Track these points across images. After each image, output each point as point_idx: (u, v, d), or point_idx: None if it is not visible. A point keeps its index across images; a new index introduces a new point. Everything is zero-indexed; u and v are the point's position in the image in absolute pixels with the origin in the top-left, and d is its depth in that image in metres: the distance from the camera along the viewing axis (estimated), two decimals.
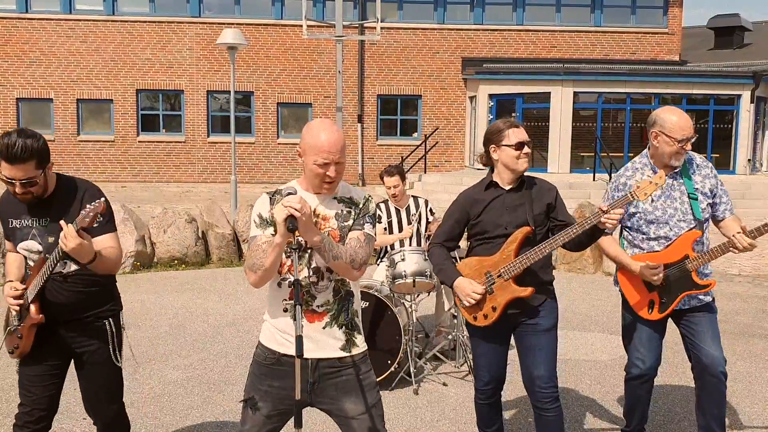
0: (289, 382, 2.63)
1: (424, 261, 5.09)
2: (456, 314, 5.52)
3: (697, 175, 3.70)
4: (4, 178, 2.88)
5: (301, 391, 2.41)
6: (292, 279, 2.58)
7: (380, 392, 2.81)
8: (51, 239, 2.93)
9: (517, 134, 3.41)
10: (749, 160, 19.34)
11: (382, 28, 10.32)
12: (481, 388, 3.61)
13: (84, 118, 20.35)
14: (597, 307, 7.52)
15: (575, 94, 18.56)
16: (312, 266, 2.64)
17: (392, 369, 4.92)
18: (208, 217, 10.12)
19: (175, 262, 9.63)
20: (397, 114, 21.12)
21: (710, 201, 3.68)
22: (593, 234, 3.27)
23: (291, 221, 2.41)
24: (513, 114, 19.27)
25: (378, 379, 4.71)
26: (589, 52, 20.92)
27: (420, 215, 5.75)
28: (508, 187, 3.48)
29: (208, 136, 20.46)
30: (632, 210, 3.71)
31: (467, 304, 3.43)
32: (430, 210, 5.85)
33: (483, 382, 3.60)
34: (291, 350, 2.56)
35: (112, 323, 3.12)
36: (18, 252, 3.05)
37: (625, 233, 3.85)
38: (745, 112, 18.92)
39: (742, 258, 10.07)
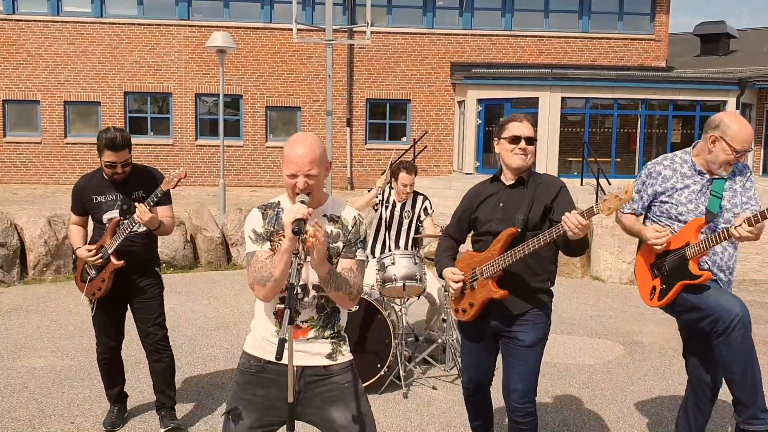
0: (274, 391, 2.62)
1: (414, 265, 5.10)
2: (446, 318, 5.53)
3: (736, 182, 3.53)
4: (107, 164, 3.95)
5: (285, 399, 2.40)
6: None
7: (369, 398, 2.77)
8: (125, 206, 4.05)
9: (515, 128, 3.31)
10: None
11: (371, 32, 10.32)
12: (465, 385, 3.68)
13: (71, 121, 20.20)
14: (584, 311, 7.56)
15: (563, 99, 18.66)
16: (299, 282, 2.62)
17: (382, 373, 4.91)
18: (196, 220, 10.08)
19: (164, 265, 9.59)
20: (386, 118, 21.15)
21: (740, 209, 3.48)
22: (567, 241, 3.06)
23: (298, 224, 2.38)
24: (501, 119, 19.32)
25: (367, 383, 4.73)
26: (577, 57, 21.06)
27: (413, 213, 5.77)
28: (509, 183, 3.38)
29: (196, 139, 20.38)
30: (664, 198, 3.58)
31: (452, 292, 3.44)
32: (425, 209, 5.82)
33: (465, 380, 3.66)
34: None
35: (159, 269, 4.36)
36: (102, 220, 4.09)
37: (648, 220, 3.74)
38: None
39: None
